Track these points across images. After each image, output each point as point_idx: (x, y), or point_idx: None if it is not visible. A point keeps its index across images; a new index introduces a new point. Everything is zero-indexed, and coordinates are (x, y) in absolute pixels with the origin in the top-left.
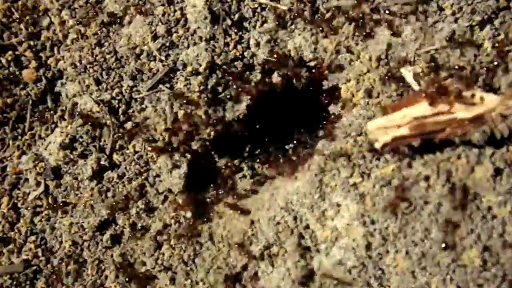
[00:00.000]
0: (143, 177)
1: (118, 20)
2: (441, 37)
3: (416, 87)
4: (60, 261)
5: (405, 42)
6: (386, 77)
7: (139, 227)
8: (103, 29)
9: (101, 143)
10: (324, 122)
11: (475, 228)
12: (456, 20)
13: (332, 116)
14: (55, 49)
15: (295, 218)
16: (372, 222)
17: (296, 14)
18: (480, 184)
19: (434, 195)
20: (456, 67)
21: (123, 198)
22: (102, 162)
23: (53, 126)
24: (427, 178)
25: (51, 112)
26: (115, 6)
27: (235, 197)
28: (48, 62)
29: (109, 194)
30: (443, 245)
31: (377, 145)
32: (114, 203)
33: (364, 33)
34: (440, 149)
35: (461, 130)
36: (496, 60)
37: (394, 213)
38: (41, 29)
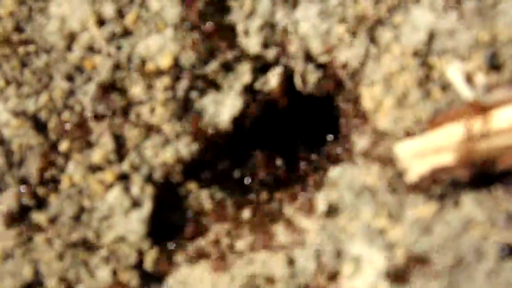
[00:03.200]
0: (83, 221)
1: None
2: (505, 22)
3: (468, 94)
4: None
5: (454, 28)
6: (425, 79)
7: None
8: (23, 6)
9: (23, 172)
10: (339, 142)
11: None
12: None
13: (352, 134)
14: None
15: (299, 277)
16: (404, 282)
17: None
18: None
19: (491, 248)
20: None
21: (55, 253)
22: (24, 200)
23: None
24: (481, 224)
25: None
26: None
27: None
28: None
29: (34, 245)
30: None
31: (410, 177)
32: (41, 259)
33: (396, 15)
34: (499, 183)
35: None
36: None
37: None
38: None
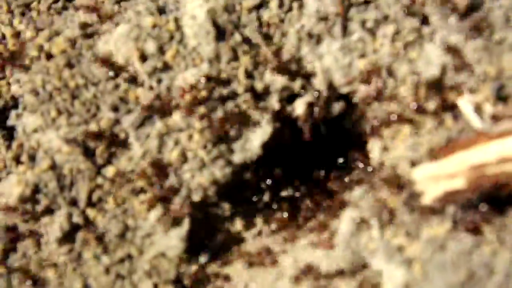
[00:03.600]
0: (127, 238)
1: (94, 33)
2: (510, 58)
3: (477, 124)
4: None
5: (464, 64)
6: (439, 110)
7: None
8: (74, 44)
9: (73, 194)
10: (361, 166)
11: None
12: None
13: (371, 158)
14: (7, 70)
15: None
16: None
17: (324, 28)
18: None
19: (501, 262)
20: None
21: (102, 268)
22: (74, 219)
23: (6, 171)
24: (491, 242)
25: (3, 152)
26: (88, 15)
27: (247, 262)
28: None
29: (83, 260)
30: None
31: (426, 199)
32: (90, 274)
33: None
34: (509, 206)
35: None
36: None
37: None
38: None
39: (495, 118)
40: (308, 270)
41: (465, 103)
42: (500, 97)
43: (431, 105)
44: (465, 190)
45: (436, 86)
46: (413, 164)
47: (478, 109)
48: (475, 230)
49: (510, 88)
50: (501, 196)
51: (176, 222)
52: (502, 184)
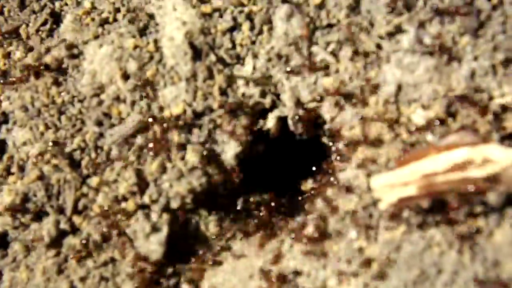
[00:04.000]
0: (111, 243)
1: (79, 53)
2: (459, 77)
3: (428, 137)
4: None
5: (417, 83)
6: (395, 124)
7: None
8: (61, 64)
9: (60, 202)
10: (325, 174)
11: None
12: (475, 58)
13: (335, 168)
14: None
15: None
16: None
17: (291, 50)
18: (500, 249)
19: (448, 262)
20: (475, 113)
21: (87, 270)
22: (61, 226)
23: None
24: (440, 243)
25: None
26: (74, 35)
27: (221, 261)
28: None
29: (69, 264)
30: None
31: (382, 206)
32: (75, 276)
33: (370, 72)
34: (455, 209)
35: (475, 190)
36: None
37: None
38: None
39: (444, 132)
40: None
41: (418, 119)
42: (449, 113)
43: (389, 119)
44: (417, 197)
45: (393, 103)
46: (372, 173)
47: (429, 123)
48: (425, 232)
49: (457, 106)
50: (448, 201)
51: (155, 228)
52: (448, 190)
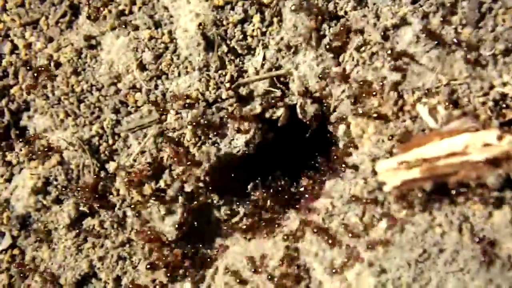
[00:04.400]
0: (127, 225)
1: (97, 44)
2: (461, 67)
3: (431, 124)
4: None
5: (421, 71)
6: (400, 112)
7: (124, 283)
8: (80, 54)
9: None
10: (332, 161)
11: (495, 278)
12: (477, 49)
13: (341, 154)
14: (20, 76)
15: (301, 268)
16: (384, 272)
17: (301, 41)
18: (498, 230)
19: (449, 242)
20: (477, 101)
21: (106, 249)
22: (81, 208)
23: (19, 166)
24: (441, 224)
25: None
26: (92, 28)
27: (233, 243)
28: (12, 91)
29: (89, 244)
30: None
31: (386, 189)
32: (95, 255)
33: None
34: (456, 192)
35: (475, 173)
36: None
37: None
38: (2, 54)
39: (446, 118)
40: None
41: (421, 106)
42: (451, 101)
43: (394, 106)
44: (420, 179)
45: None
46: (377, 158)
47: (432, 110)
48: (427, 214)
49: (459, 93)
50: (449, 184)
51: (170, 211)
52: (449, 173)
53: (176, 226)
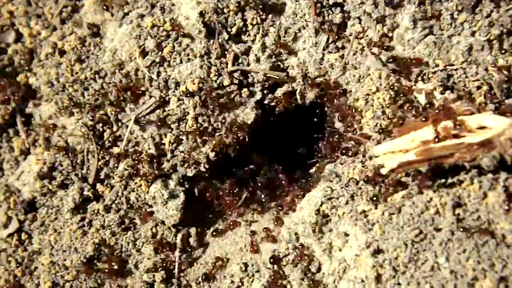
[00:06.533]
0: (132, 208)
1: (100, 32)
2: (457, 52)
3: (427, 107)
4: None
5: (417, 57)
6: (397, 96)
7: (128, 264)
8: (84, 42)
9: (84, 171)
10: (331, 145)
11: (489, 257)
12: (473, 34)
13: (340, 139)
14: (26, 64)
15: (300, 250)
16: (381, 252)
17: (300, 27)
18: (492, 210)
19: (445, 222)
20: (472, 86)
21: (110, 232)
22: (85, 193)
23: (25, 152)
24: (437, 205)
25: (23, 136)
26: (96, 16)
27: (234, 223)
28: (18, 79)
29: (94, 228)
30: (456, 275)
31: (383, 171)
32: (100, 239)
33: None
34: (452, 174)
35: (470, 155)
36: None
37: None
38: (7, 43)
39: (443, 102)
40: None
41: (418, 91)
42: (447, 86)
43: (392, 92)
44: (415, 161)
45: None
46: (377, 142)
47: (429, 95)
48: (423, 193)
49: (455, 78)
50: (444, 165)
51: (173, 195)
52: (444, 155)
53: (179, 209)
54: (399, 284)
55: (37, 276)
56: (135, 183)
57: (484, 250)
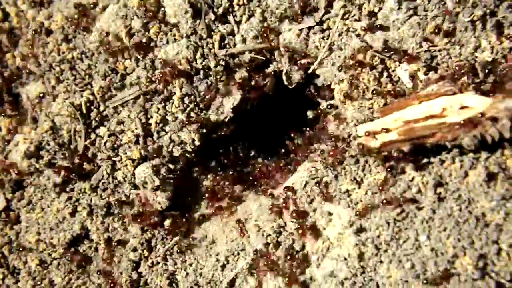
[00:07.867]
0: (119, 188)
1: (87, 12)
2: (441, 33)
3: (411, 87)
4: (25, 284)
5: (402, 37)
6: (381, 77)
7: (115, 243)
8: (71, 22)
9: (71, 151)
10: (315, 125)
11: (469, 235)
12: (456, 15)
13: (324, 119)
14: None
15: (284, 228)
16: (364, 230)
17: (285, 8)
18: (473, 189)
19: (426, 201)
20: (455, 66)
21: (97, 212)
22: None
23: (12, 132)
24: (419, 184)
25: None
26: None
27: (220, 207)
28: (5, 59)
29: (81, 207)
30: (436, 253)
31: (367, 150)
32: (86, 217)
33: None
34: (433, 153)
35: (451, 134)
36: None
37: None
38: None
39: (425, 83)
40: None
41: (402, 71)
42: (430, 66)
43: (375, 72)
44: (398, 141)
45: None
46: (358, 122)
47: (412, 76)
48: (406, 173)
49: (439, 59)
50: (426, 145)
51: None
52: (426, 135)
53: (168, 196)
54: (381, 261)
55: (25, 254)
56: (121, 163)
57: (464, 228)
